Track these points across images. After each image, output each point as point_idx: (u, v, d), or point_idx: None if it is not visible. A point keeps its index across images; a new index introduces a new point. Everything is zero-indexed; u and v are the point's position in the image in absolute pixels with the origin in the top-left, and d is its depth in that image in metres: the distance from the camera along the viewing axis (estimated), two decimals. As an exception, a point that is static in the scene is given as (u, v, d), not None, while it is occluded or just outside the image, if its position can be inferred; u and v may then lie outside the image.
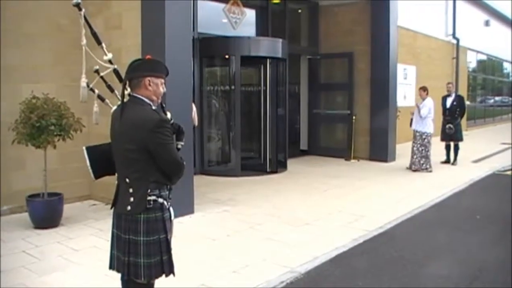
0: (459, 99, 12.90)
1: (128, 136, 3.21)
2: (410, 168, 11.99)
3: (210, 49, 11.09)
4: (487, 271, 5.38)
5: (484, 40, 25.99)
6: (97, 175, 3.65)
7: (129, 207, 3.26)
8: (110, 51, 4.05)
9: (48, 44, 7.76)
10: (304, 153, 14.45)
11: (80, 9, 3.98)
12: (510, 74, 35.63)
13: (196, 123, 8.72)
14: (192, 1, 7.92)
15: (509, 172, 11.92)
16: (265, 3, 13.08)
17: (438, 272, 5.31)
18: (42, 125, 6.38)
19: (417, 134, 11.89)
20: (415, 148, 11.92)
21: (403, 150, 13.38)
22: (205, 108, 11.38)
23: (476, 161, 13.51)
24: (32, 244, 6.00)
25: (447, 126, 12.52)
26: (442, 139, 12.87)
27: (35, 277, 4.97)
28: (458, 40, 21.95)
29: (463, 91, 21.01)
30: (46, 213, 6.75)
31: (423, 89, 12.05)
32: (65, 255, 5.64)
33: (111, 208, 3.47)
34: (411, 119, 12.08)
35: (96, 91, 4.09)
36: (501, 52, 30.00)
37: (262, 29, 12.93)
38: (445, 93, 13.00)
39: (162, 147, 3.20)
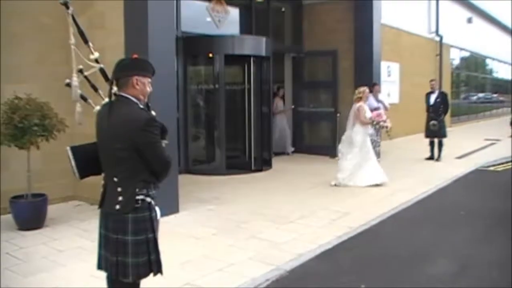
0: (442, 95, 13.01)
1: (117, 135, 3.23)
2: None
3: (194, 48, 11.08)
4: (472, 268, 5.44)
5: (467, 37, 26.18)
6: (82, 176, 3.64)
7: (117, 206, 3.27)
8: (94, 50, 4.04)
9: (31, 44, 7.70)
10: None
11: (67, 8, 3.96)
12: (493, 71, 35.97)
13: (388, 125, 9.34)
14: (175, 0, 7.90)
15: (492, 168, 12.05)
16: (249, 2, 13.09)
17: (423, 269, 5.36)
18: (25, 125, 6.32)
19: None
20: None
21: (386, 147, 13.43)
22: (190, 107, 11.36)
23: (460, 157, 13.61)
24: (17, 245, 5.95)
25: (431, 122, 12.62)
26: (426, 136, 12.98)
27: (20, 279, 4.94)
28: (441, 37, 22.12)
29: (446, 88, 21.15)
30: (30, 214, 6.70)
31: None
32: (50, 256, 5.61)
33: (99, 208, 3.46)
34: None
35: (79, 91, 4.07)
36: (484, 49, 30.24)
37: (246, 27, 12.94)
38: (429, 90, 13.09)
39: (152, 145, 3.24)
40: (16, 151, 6.66)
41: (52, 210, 7.18)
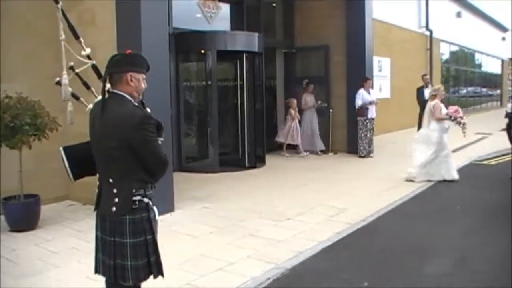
0: (435, 90, 12.99)
1: (111, 134, 3.10)
2: (363, 156, 12.63)
3: (186, 44, 10.96)
4: (471, 261, 5.39)
5: (456, 31, 26.23)
6: (76, 177, 3.51)
7: (114, 208, 3.14)
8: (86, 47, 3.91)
9: (20, 42, 7.54)
10: (281, 147, 14.33)
11: (57, 2, 3.83)
12: (482, 65, 36.06)
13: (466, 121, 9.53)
14: (167, -5, 7.79)
15: (486, 162, 12.03)
16: (240, -3, 12.99)
17: (423, 264, 5.29)
18: (16, 125, 6.20)
19: (373, 121, 12.67)
20: (363, 135, 12.61)
21: (379, 142, 13.41)
22: (182, 104, 11.24)
23: (453, 151, 13.48)
24: (9, 247, 5.82)
25: (426, 117, 12.59)
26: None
27: (12, 282, 4.82)
28: (431, 31, 22.10)
29: (436, 82, 21.13)
30: (22, 215, 6.58)
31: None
32: (44, 258, 5.50)
33: (94, 210, 3.34)
34: (367, 109, 12.58)
35: (70, 89, 3.94)
36: (473, 43, 30.32)
37: (237, 23, 12.82)
38: (420, 84, 13.06)
39: (147, 143, 3.11)
40: (7, 151, 6.54)
41: (44, 210, 7.04)
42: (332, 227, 6.59)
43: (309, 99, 13.57)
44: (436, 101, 9.63)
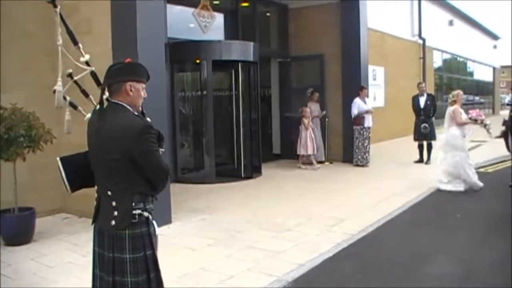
0: (431, 98, 13.00)
1: (110, 145, 3.00)
2: (360, 165, 12.59)
3: (181, 54, 10.87)
4: (475, 270, 5.33)
5: (449, 39, 26.29)
6: (74, 188, 3.42)
7: (113, 222, 3.04)
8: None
9: (15, 51, 7.41)
10: (277, 157, 14.27)
11: (55, 6, 3.71)
12: (474, 73, 36.19)
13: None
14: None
15: (482, 169, 11.98)
16: (235, 7, 12.95)
17: (426, 273, 5.23)
18: (11, 137, 6.09)
19: (370, 130, 12.64)
20: (360, 144, 12.60)
21: (374, 151, 13.33)
22: (177, 114, 11.14)
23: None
24: (4, 262, 5.69)
25: (423, 125, 12.57)
26: (416, 139, 12.91)
27: (9, 298, 4.72)
28: (424, 40, 22.11)
29: (430, 91, 21.15)
30: (18, 229, 6.45)
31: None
32: (40, 272, 5.38)
33: (92, 223, 3.25)
34: (363, 117, 12.53)
35: (68, 98, 3.83)
36: (465, 51, 30.41)
37: (232, 32, 12.78)
38: (415, 93, 13.05)
39: (149, 154, 3.02)
40: (1, 163, 6.42)
41: (39, 223, 6.91)
42: (332, 238, 6.50)
43: (314, 107, 13.26)
44: (456, 106, 9.52)
